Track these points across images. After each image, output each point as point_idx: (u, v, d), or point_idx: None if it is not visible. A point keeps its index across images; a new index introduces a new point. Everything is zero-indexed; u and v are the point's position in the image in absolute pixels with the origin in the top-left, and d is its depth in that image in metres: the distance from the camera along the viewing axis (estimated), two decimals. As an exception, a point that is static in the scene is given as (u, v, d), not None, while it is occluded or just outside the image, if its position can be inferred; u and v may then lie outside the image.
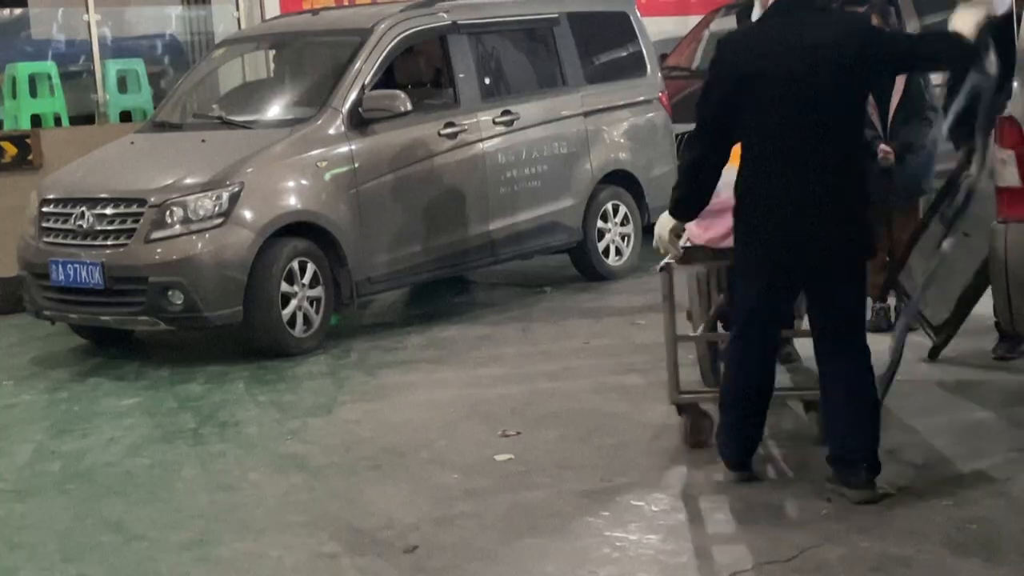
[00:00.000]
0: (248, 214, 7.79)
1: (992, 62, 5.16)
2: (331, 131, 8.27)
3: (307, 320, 7.99)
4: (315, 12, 10.33)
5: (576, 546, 4.71)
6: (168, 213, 7.73)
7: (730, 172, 5.38)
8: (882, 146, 7.18)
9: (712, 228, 5.48)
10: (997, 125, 5.80)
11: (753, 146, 4.94)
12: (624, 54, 10.24)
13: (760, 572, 4.35)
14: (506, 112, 9.17)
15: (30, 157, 9.99)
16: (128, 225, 7.83)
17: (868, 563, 4.38)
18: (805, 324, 5.48)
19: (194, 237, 7.69)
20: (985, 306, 6.14)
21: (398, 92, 8.48)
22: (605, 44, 10.16)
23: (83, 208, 8.00)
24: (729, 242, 5.30)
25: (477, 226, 8.93)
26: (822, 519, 4.75)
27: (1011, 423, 5.72)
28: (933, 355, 6.74)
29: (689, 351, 6.32)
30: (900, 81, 7.22)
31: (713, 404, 5.59)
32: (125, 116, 11.31)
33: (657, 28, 12.12)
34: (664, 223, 5.24)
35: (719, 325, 6.11)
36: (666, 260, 5.54)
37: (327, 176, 8.16)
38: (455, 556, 4.67)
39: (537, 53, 9.81)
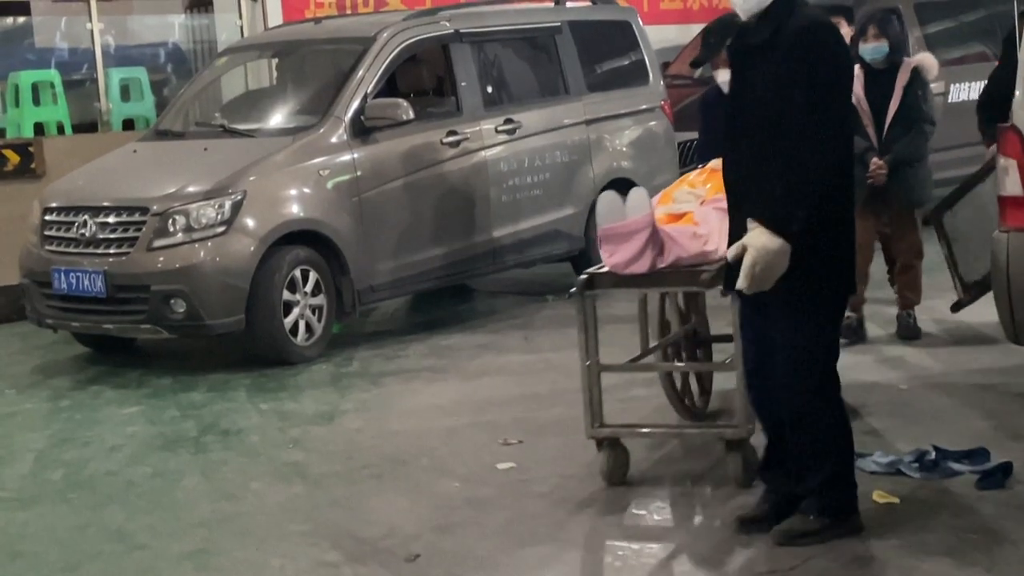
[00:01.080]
0: (250, 222, 7.79)
1: None
2: (333, 139, 8.28)
3: (309, 328, 7.99)
4: (318, 21, 10.36)
5: (577, 555, 4.71)
6: (171, 221, 7.74)
7: (639, 192, 5.20)
8: (875, 159, 7.14)
9: (617, 253, 5.17)
10: (1000, 133, 5.79)
11: (843, 158, 4.53)
12: (626, 62, 10.25)
13: (762, 581, 4.35)
14: (508, 120, 9.17)
15: (33, 165, 10.01)
16: (131, 233, 7.84)
17: (870, 572, 4.37)
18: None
19: (196, 245, 7.70)
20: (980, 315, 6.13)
21: (400, 101, 8.50)
22: (607, 52, 10.17)
23: (86, 216, 8.01)
24: (635, 268, 5.11)
25: (479, 234, 8.93)
26: (824, 528, 4.73)
27: (1012, 435, 5.71)
28: (955, 309, 6.92)
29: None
30: (897, 93, 7.20)
31: (633, 439, 5.47)
32: (128, 124, 11.33)
33: (659, 36, 12.13)
34: (780, 250, 4.39)
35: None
36: (571, 292, 5.25)
37: (329, 184, 8.17)
38: (456, 564, 4.66)
39: (539, 62, 9.82)
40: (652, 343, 5.89)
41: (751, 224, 4.45)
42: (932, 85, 7.52)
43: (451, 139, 8.82)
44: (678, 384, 5.97)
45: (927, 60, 7.41)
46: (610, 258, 5.19)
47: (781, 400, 4.64)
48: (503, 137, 9.13)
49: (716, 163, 5.55)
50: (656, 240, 5.12)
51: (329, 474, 5.84)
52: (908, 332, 7.41)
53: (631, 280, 5.19)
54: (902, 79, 7.20)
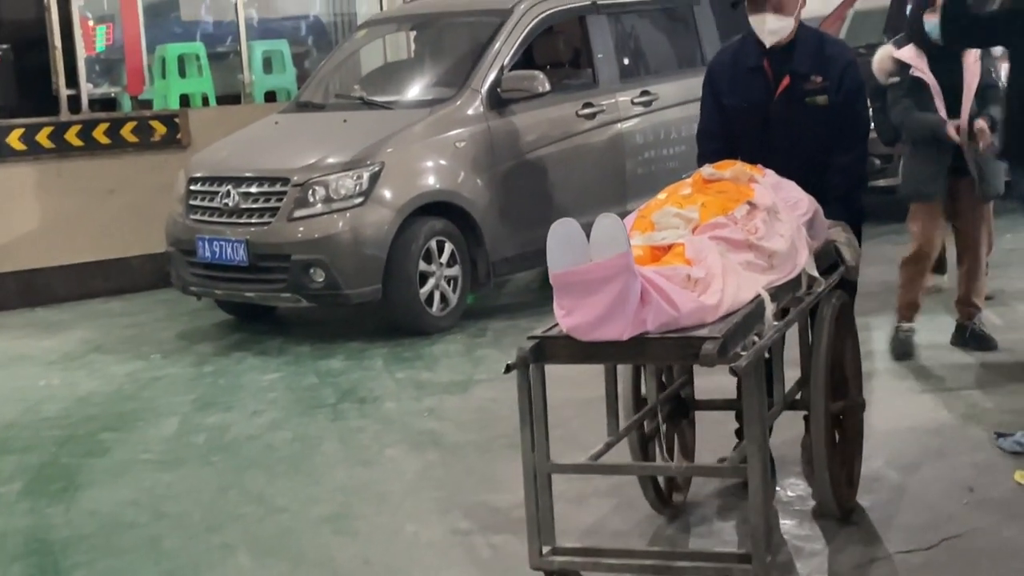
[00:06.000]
0: (388, 193, 7.89)
1: None
2: (470, 112, 8.33)
3: (444, 299, 8.07)
4: (455, -7, 10.39)
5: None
6: (310, 192, 7.86)
7: (608, 221, 3.90)
8: (978, 122, 6.41)
9: (579, 311, 3.72)
10: None
11: None
12: (766, 33, 10.07)
13: None
14: (644, 92, 9.13)
15: (178, 136, 10.26)
16: (272, 203, 7.99)
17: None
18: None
19: (335, 216, 7.82)
20: None
21: (537, 73, 8.51)
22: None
23: (229, 186, 8.18)
24: (605, 334, 3.70)
25: (614, 207, 8.84)
26: None
27: None
28: None
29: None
30: (973, 68, 6.53)
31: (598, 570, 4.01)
32: (270, 96, 11.54)
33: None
34: None
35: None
36: (509, 365, 3.87)
37: (465, 156, 8.22)
38: (588, 536, 4.68)
39: (676, 33, 9.74)
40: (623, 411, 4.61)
41: None
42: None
43: (587, 111, 8.81)
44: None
45: None
46: (567, 317, 3.76)
47: None
48: (639, 109, 9.08)
49: (706, 171, 4.56)
50: (634, 292, 3.66)
51: (463, 443, 5.90)
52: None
53: (598, 350, 3.80)
54: (972, 53, 6.53)
